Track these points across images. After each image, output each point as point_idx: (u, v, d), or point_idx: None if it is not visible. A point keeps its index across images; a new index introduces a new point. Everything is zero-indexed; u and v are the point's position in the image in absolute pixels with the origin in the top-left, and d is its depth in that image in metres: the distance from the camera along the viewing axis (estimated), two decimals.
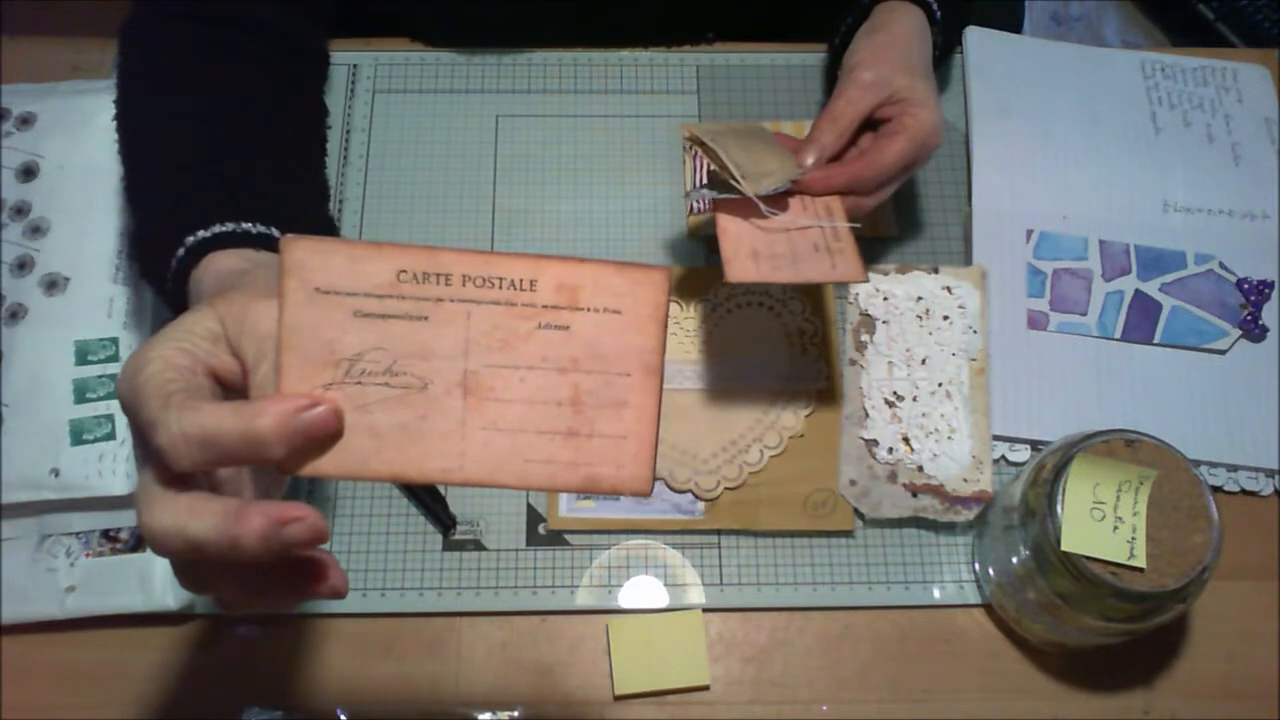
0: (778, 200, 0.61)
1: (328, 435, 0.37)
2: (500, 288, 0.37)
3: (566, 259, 0.37)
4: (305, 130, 0.66)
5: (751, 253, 0.59)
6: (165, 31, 0.63)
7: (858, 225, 0.62)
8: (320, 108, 0.70)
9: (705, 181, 0.62)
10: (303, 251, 0.36)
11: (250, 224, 0.52)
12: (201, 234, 0.51)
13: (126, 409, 0.38)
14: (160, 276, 0.53)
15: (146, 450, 0.37)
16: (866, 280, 0.61)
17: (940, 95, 0.77)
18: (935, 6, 0.68)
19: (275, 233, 0.52)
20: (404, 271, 0.36)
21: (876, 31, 0.67)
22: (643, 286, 0.37)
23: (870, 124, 0.65)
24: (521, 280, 0.37)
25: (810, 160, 0.63)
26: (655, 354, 0.38)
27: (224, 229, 0.51)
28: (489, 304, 0.37)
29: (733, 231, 0.60)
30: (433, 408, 0.37)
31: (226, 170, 0.56)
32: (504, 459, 0.38)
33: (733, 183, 0.60)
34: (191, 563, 0.38)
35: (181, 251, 0.51)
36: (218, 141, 0.58)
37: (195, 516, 0.36)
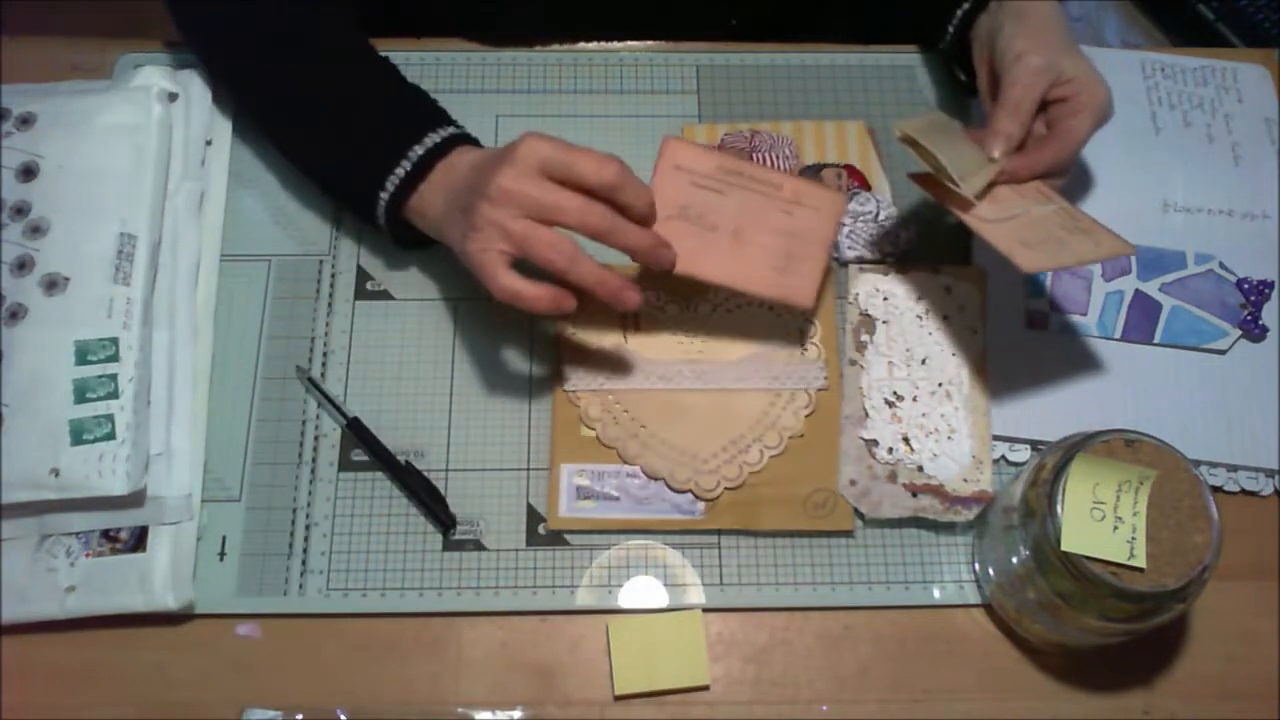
0: (992, 195, 0.64)
1: (654, 262, 0.61)
2: (766, 185, 0.64)
3: (800, 180, 0.65)
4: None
5: (1021, 243, 0.60)
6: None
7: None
8: None
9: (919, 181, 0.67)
10: (673, 145, 0.63)
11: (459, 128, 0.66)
12: (440, 134, 0.64)
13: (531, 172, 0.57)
14: (370, 193, 0.65)
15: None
16: (1133, 251, 0.64)
17: (938, 94, 0.78)
18: None
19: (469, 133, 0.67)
20: (721, 167, 0.63)
21: (1024, 17, 0.67)
22: (830, 201, 0.65)
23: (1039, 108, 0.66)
24: (777, 185, 0.64)
25: (999, 152, 0.64)
26: (829, 237, 0.65)
27: (457, 130, 0.66)
28: (757, 193, 0.64)
29: (991, 230, 0.61)
30: (717, 240, 0.64)
31: (410, 94, 0.68)
32: (745, 274, 0.64)
33: (951, 185, 0.62)
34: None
35: (421, 150, 0.63)
36: (385, 81, 0.68)
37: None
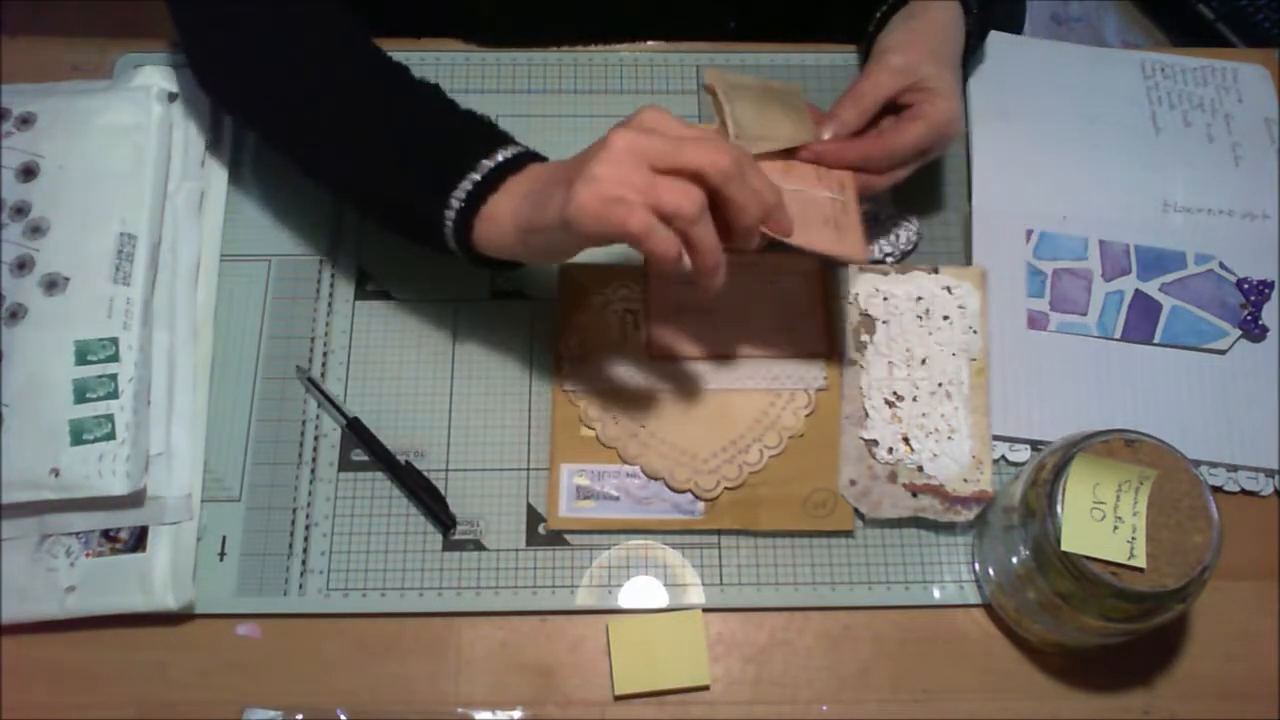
0: (789, 166, 0.63)
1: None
2: (746, 264, 0.64)
3: (775, 255, 0.64)
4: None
5: None
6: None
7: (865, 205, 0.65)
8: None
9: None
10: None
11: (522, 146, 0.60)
12: (504, 155, 0.58)
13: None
14: (436, 216, 0.58)
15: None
16: (866, 260, 0.65)
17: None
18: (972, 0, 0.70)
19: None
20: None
21: (912, 19, 0.68)
22: (807, 263, 0.70)
23: (895, 109, 0.67)
24: (754, 262, 0.67)
25: (828, 134, 0.65)
26: (817, 293, 0.69)
27: (520, 149, 0.59)
28: (741, 274, 0.63)
29: None
30: (719, 324, 0.66)
31: (472, 116, 0.62)
32: (754, 346, 0.68)
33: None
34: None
35: (492, 164, 0.58)
36: (423, 102, 0.63)
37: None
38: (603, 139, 0.53)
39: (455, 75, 0.78)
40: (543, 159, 0.60)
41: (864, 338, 0.69)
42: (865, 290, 0.70)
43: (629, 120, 0.54)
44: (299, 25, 0.65)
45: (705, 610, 0.62)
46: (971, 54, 0.73)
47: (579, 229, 0.52)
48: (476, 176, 0.57)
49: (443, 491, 0.65)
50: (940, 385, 0.67)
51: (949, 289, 0.70)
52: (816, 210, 0.61)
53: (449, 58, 0.78)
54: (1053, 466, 0.56)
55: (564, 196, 0.52)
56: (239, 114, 0.70)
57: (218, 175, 0.73)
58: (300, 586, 0.63)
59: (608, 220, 0.51)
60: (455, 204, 0.58)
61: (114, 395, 0.63)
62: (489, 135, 0.61)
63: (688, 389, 0.67)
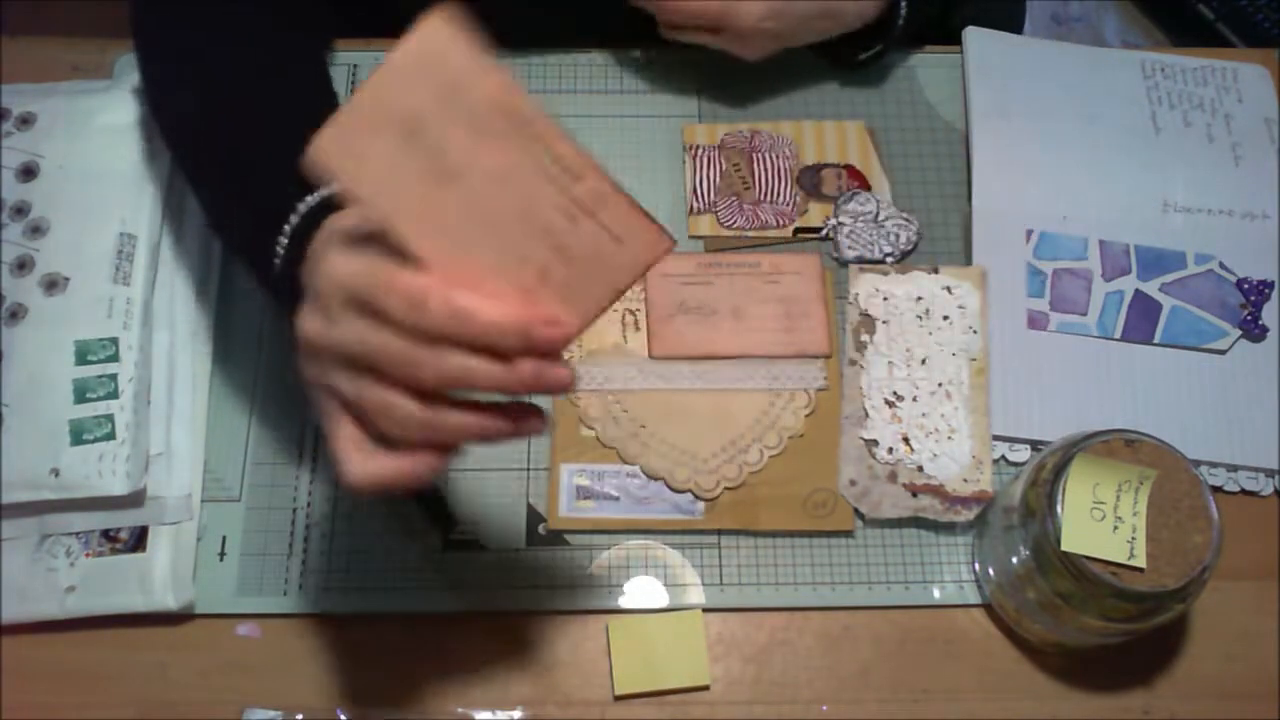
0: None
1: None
2: (745, 265, 0.71)
3: (774, 255, 0.70)
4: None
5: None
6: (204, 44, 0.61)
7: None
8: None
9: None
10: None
11: None
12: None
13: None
14: (265, 248, 0.53)
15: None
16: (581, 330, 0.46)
17: (938, 94, 0.77)
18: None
19: None
20: (700, 263, 0.70)
21: None
22: (808, 264, 0.71)
23: None
24: (755, 263, 0.70)
25: None
26: (821, 293, 0.70)
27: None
28: (741, 274, 0.71)
29: None
30: (720, 323, 0.69)
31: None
32: (755, 343, 0.68)
33: None
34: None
35: (316, 200, 0.52)
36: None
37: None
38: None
39: None
40: None
41: (864, 338, 0.69)
42: (865, 290, 0.70)
43: (314, 279, 0.46)
44: (246, 39, 0.62)
45: (705, 610, 0.62)
46: (893, 41, 0.73)
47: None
48: (294, 219, 0.52)
49: (443, 491, 0.65)
50: (940, 385, 0.67)
51: (949, 289, 0.70)
52: (516, 231, 0.43)
53: None
54: (1053, 466, 0.56)
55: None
56: (158, 120, 0.65)
57: None
58: (300, 586, 0.63)
59: (336, 469, 0.46)
60: (280, 249, 0.52)
61: (114, 395, 0.63)
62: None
63: (688, 389, 0.67)
